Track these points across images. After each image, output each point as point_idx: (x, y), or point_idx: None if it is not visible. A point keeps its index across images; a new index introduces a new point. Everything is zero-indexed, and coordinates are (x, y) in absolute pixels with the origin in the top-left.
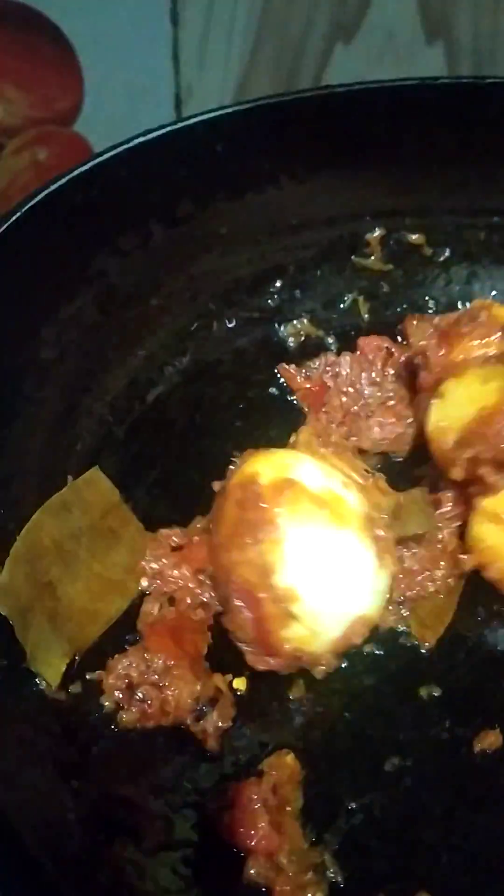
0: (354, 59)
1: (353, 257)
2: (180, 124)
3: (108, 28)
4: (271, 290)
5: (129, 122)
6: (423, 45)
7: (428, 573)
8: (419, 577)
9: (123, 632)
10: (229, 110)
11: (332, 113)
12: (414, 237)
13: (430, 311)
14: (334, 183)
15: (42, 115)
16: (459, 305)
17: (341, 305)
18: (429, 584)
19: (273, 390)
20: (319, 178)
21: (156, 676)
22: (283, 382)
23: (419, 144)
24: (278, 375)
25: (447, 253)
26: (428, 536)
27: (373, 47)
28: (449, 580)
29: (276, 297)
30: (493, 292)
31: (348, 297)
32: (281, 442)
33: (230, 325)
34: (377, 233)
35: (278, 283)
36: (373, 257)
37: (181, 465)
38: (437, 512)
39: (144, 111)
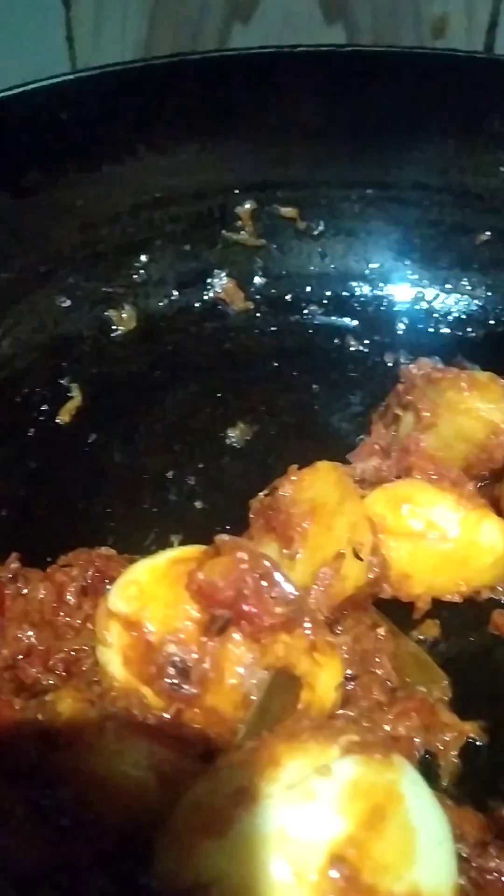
0: (253, 40)
1: (223, 232)
2: (16, 90)
3: (1, 11)
4: (136, 264)
5: None
6: (321, 25)
7: None
8: None
9: None
10: (71, 77)
11: (189, 81)
12: (286, 210)
13: (307, 290)
14: (198, 154)
15: None
16: (333, 280)
17: (210, 280)
18: None
19: (136, 367)
20: (182, 150)
21: None
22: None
23: (285, 115)
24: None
25: (322, 226)
26: None
27: (271, 27)
28: None
29: (141, 272)
30: (370, 265)
31: (218, 273)
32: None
33: (93, 301)
34: (248, 206)
35: (143, 258)
36: (244, 232)
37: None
38: None
39: None
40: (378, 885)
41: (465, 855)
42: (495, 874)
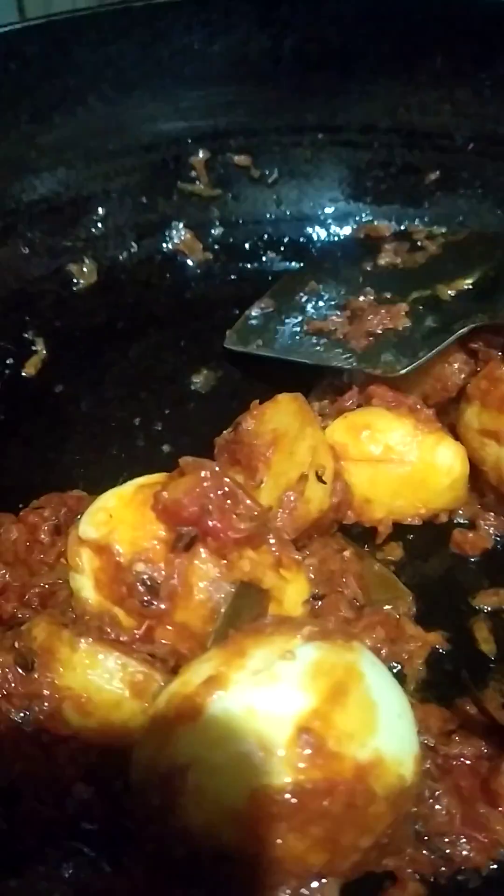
0: None
1: (178, 183)
2: None
3: None
4: (94, 217)
5: None
6: None
7: None
8: None
9: None
10: (18, 26)
11: (136, 29)
12: (240, 158)
13: (264, 238)
14: (149, 104)
15: None
16: (289, 226)
17: (168, 232)
18: None
19: (99, 319)
20: (132, 100)
21: None
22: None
23: (233, 61)
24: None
25: (275, 173)
26: None
27: None
28: None
29: (99, 225)
30: (326, 209)
31: (176, 224)
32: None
33: (53, 254)
34: (201, 156)
35: (101, 211)
36: (199, 182)
37: None
38: None
39: None
40: (343, 751)
41: (430, 745)
42: (461, 759)
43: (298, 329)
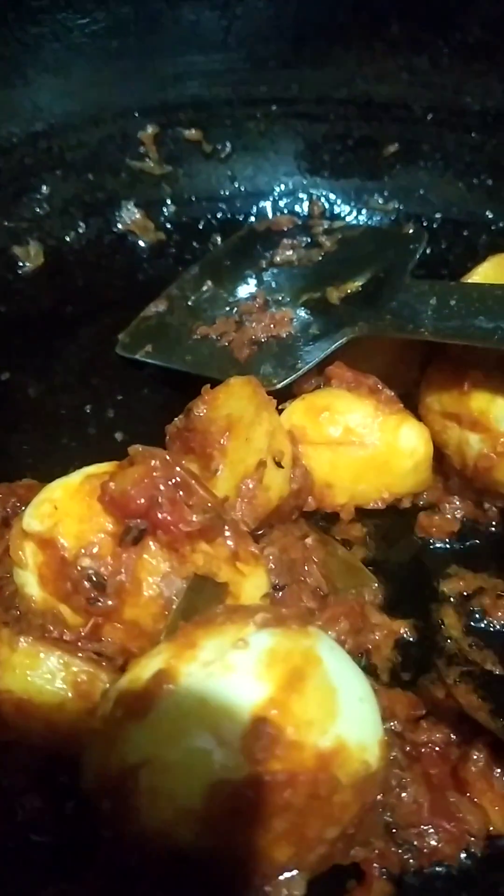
0: None
1: (126, 160)
2: None
3: None
4: (38, 196)
5: None
6: None
7: None
8: None
9: None
10: None
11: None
12: (190, 133)
13: (218, 216)
14: (92, 76)
15: None
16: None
17: (118, 212)
18: None
19: (47, 303)
20: (73, 71)
21: None
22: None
23: (179, 30)
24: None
25: (228, 147)
26: None
27: None
28: None
29: (44, 204)
30: (281, 185)
31: (126, 203)
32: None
33: None
34: (150, 130)
35: (45, 190)
36: (149, 158)
37: None
38: None
39: None
40: (303, 740)
41: (398, 731)
42: (429, 746)
43: (188, 334)
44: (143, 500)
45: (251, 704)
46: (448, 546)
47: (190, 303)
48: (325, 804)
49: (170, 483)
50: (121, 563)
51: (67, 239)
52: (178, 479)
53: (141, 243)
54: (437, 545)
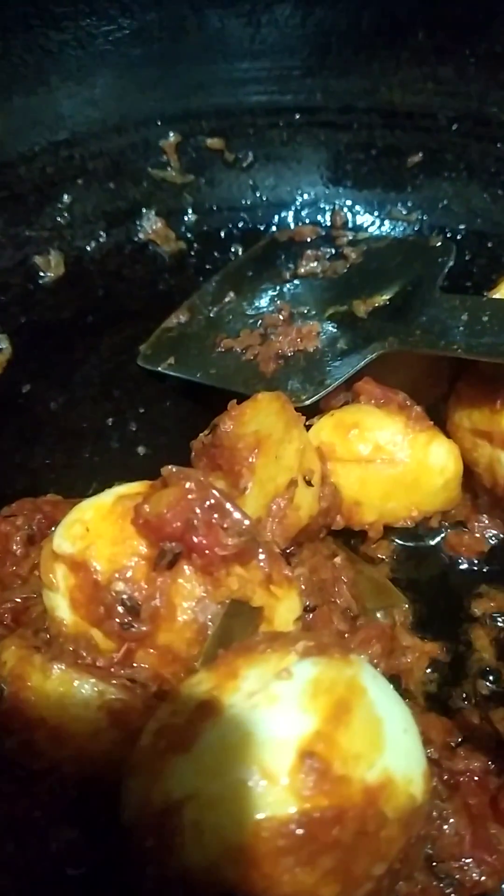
0: None
1: (148, 168)
2: None
3: None
4: (59, 205)
5: None
6: None
7: None
8: None
9: None
10: None
11: (94, 4)
12: (212, 141)
13: (240, 226)
14: (115, 83)
15: None
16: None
17: (139, 221)
18: None
19: (68, 314)
20: (96, 79)
21: None
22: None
23: (204, 38)
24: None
25: (250, 156)
26: None
27: None
28: None
29: (65, 214)
30: (303, 195)
31: (147, 212)
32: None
33: (17, 245)
34: (172, 139)
35: (66, 199)
36: (170, 167)
37: None
38: None
39: None
40: (351, 774)
41: (434, 758)
42: (467, 775)
43: (211, 347)
44: (178, 524)
45: (297, 737)
46: (477, 565)
47: (212, 314)
48: (373, 840)
49: (205, 505)
50: (155, 588)
51: (88, 248)
52: (213, 500)
53: (162, 253)
54: (466, 565)
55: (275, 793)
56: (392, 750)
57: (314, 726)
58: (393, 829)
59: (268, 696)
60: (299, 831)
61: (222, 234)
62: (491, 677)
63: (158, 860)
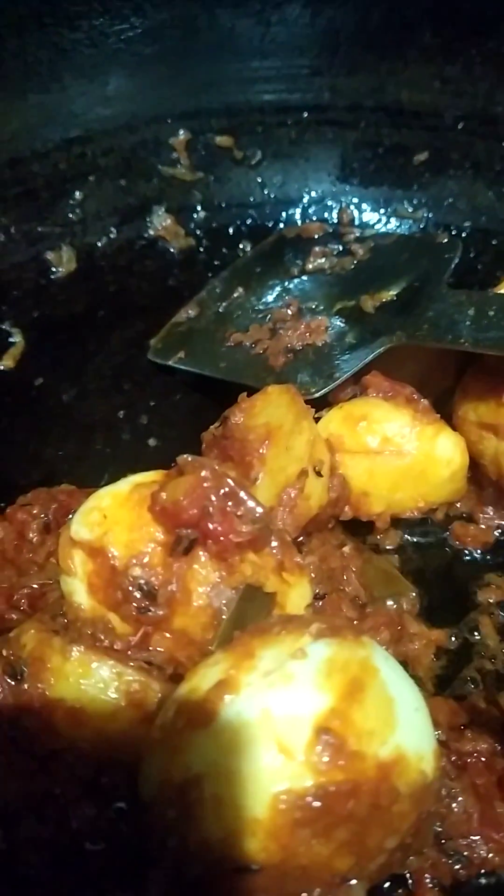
0: None
1: (159, 165)
2: None
3: None
4: (71, 202)
5: None
6: None
7: None
8: None
9: None
10: None
11: (107, 3)
12: (222, 139)
13: (248, 222)
14: (127, 82)
15: None
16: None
17: (149, 218)
18: None
19: (79, 308)
20: (108, 77)
21: None
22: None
23: (214, 37)
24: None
25: (259, 154)
26: None
27: None
28: None
29: (77, 210)
30: (311, 192)
31: (157, 209)
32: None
33: (30, 241)
34: (182, 136)
35: (78, 195)
36: (180, 164)
37: None
38: None
39: None
40: (365, 750)
41: (442, 739)
42: (475, 756)
43: (220, 341)
44: (194, 511)
45: (313, 714)
46: (483, 555)
47: (221, 309)
48: (386, 814)
49: (220, 493)
50: (171, 573)
51: (100, 244)
52: (228, 489)
53: (171, 249)
54: (471, 555)
55: (291, 767)
56: (404, 727)
57: (329, 704)
58: (405, 804)
59: (284, 675)
60: (315, 804)
61: (231, 231)
62: (497, 662)
63: (179, 833)
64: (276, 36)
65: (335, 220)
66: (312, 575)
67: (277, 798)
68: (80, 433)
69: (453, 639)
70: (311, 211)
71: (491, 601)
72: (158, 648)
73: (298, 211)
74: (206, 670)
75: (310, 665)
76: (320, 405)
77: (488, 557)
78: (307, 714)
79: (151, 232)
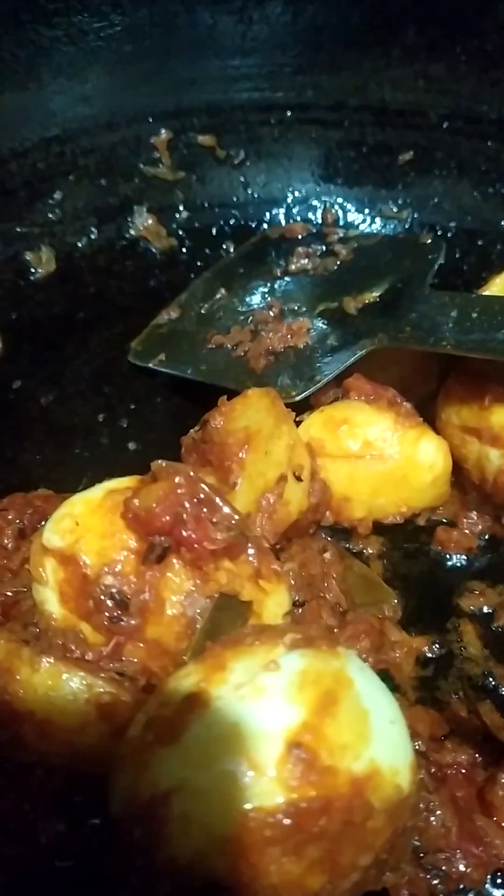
0: None
1: (140, 165)
2: None
3: None
4: (50, 202)
5: None
6: None
7: None
8: None
9: None
10: None
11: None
12: (204, 138)
13: (231, 223)
14: (106, 80)
15: None
16: (258, 212)
17: (130, 218)
18: None
19: (58, 309)
20: (88, 75)
21: None
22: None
23: (194, 34)
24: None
25: (242, 154)
26: None
27: None
28: None
29: (56, 210)
30: (294, 192)
31: (138, 209)
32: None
33: (7, 241)
34: (163, 135)
35: (57, 195)
36: (162, 164)
37: None
38: None
39: None
40: (337, 765)
41: (422, 750)
42: (455, 767)
43: (202, 343)
44: (167, 518)
45: (284, 729)
46: (466, 561)
47: (203, 311)
48: (359, 830)
49: (194, 500)
50: (144, 582)
51: (79, 245)
52: (203, 495)
53: (153, 249)
54: (455, 561)
55: (262, 783)
56: (379, 741)
57: (301, 717)
58: (379, 820)
59: (255, 688)
60: (286, 821)
61: (213, 231)
62: (479, 671)
63: (146, 851)
64: (258, 34)
65: (319, 221)
66: (292, 582)
67: (247, 816)
68: (59, 437)
69: (435, 646)
70: (294, 211)
71: (473, 608)
72: (132, 659)
73: (282, 211)
74: (176, 683)
75: (282, 677)
76: (301, 409)
77: (471, 563)
78: (278, 728)
79: (133, 232)
